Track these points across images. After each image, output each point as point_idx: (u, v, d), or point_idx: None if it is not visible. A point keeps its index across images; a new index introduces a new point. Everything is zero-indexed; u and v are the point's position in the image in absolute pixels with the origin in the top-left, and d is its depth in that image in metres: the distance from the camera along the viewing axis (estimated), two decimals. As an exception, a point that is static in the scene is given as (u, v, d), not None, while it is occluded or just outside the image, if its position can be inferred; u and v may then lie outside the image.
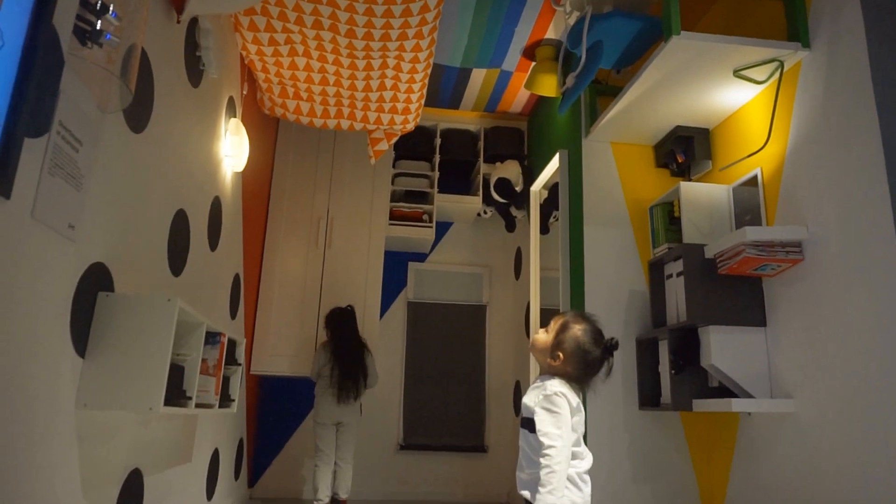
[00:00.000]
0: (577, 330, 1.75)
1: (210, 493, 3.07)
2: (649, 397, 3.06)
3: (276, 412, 4.37)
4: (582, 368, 1.73)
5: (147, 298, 1.70)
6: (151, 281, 2.08)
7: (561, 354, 1.73)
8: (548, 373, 1.75)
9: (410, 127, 3.73)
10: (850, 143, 2.26)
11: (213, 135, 2.78)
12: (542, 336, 1.79)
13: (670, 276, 3.02)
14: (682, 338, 2.84)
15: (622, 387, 3.12)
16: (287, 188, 4.31)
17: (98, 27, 1.46)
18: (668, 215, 3.08)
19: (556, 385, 1.69)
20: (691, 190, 3.01)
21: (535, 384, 1.75)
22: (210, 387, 2.18)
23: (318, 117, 3.64)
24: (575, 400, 1.69)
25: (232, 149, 3.00)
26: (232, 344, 2.54)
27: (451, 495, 4.43)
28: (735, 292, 2.71)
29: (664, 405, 2.93)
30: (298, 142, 4.42)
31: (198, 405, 2.08)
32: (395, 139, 3.80)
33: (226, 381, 2.51)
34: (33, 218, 1.34)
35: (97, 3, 1.46)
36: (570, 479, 1.64)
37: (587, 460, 1.71)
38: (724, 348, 2.67)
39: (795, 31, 2.53)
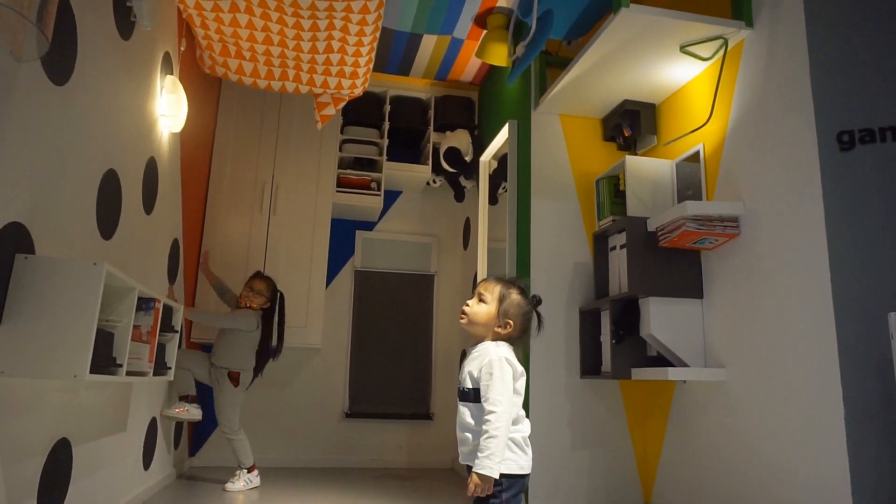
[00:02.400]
0: (515, 295, 1.80)
1: (147, 462, 3.00)
2: (590, 366, 3.13)
3: (217, 381, 4.28)
4: (525, 329, 1.80)
5: (71, 262, 1.61)
6: (79, 244, 1.98)
7: (511, 321, 1.76)
8: (491, 340, 1.76)
9: (358, 92, 3.63)
10: (786, 122, 2.32)
11: (147, 92, 2.64)
12: (484, 308, 1.78)
13: (614, 248, 3.07)
14: (623, 309, 2.90)
15: (564, 356, 3.18)
16: (230, 152, 4.17)
17: (11, -33, 1.34)
18: (614, 188, 3.12)
19: (502, 351, 1.71)
20: (636, 164, 3.05)
21: (475, 353, 1.74)
22: (143, 354, 2.10)
23: (261, 78, 3.51)
24: (519, 366, 1.72)
25: (168, 108, 2.86)
26: (168, 310, 2.45)
27: (396, 462, 4.47)
28: (675, 265, 2.78)
29: (604, 374, 3.00)
30: (242, 104, 4.26)
31: (129, 373, 2.00)
32: (342, 104, 3.71)
33: (161, 348, 2.43)
34: (-63, 172, 1.24)
35: (9, -61, 1.34)
36: (515, 443, 1.67)
37: (527, 425, 1.73)
38: (662, 319, 2.74)
39: (740, 9, 2.57)
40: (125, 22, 2.31)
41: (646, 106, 3.25)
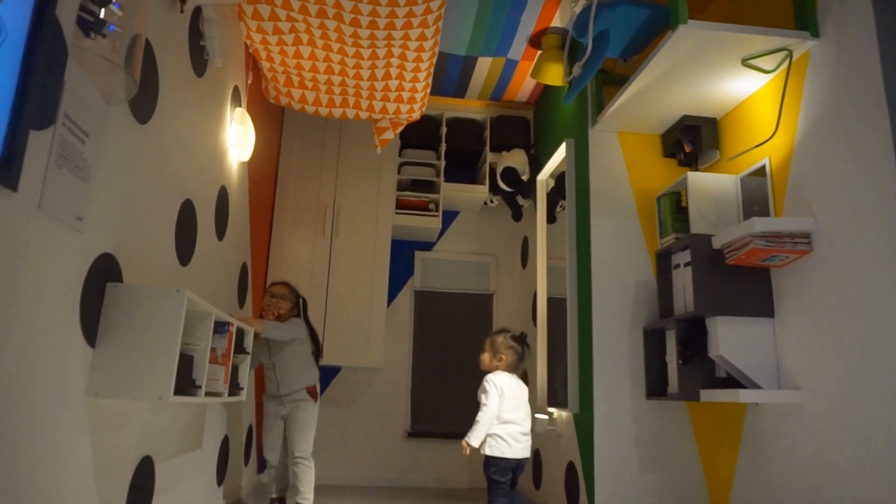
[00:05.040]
0: (500, 338, 2.90)
1: (220, 479, 3.11)
2: (656, 387, 3.06)
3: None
4: (515, 359, 2.87)
5: (156, 289, 1.72)
6: (160, 271, 2.10)
7: (502, 356, 2.86)
8: (493, 371, 2.84)
9: (416, 116, 3.72)
10: (858, 133, 2.23)
11: (219, 124, 2.78)
12: (486, 356, 2.92)
13: (678, 266, 3.01)
14: (689, 328, 2.84)
15: (629, 377, 3.12)
16: (293, 177, 4.32)
17: (101, 17, 1.46)
18: (676, 205, 3.06)
19: (491, 376, 2.80)
20: (699, 180, 2.99)
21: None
22: (219, 375, 2.20)
23: (323, 106, 3.64)
24: (505, 384, 2.77)
25: (237, 138, 3.00)
26: (240, 333, 2.56)
27: (458, 482, 4.47)
28: (743, 283, 2.70)
29: (671, 395, 2.93)
30: (304, 131, 4.42)
31: (207, 394, 2.10)
32: (400, 128, 3.80)
33: (234, 369, 2.53)
34: (41, 210, 1.35)
35: (101, -6, 1.46)
36: (501, 437, 2.69)
37: (514, 427, 2.71)
38: (731, 339, 2.66)
39: (804, 19, 2.50)
40: (199, 60, 2.45)
41: (706, 121, 3.19)
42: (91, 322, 1.62)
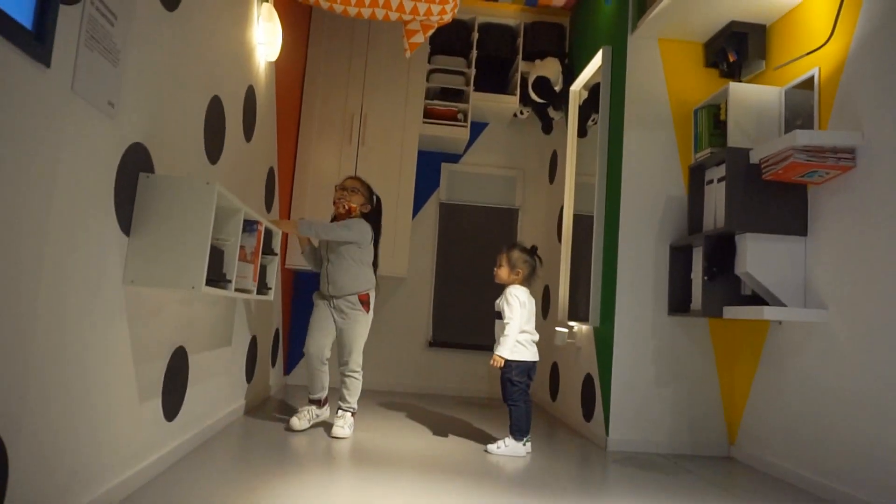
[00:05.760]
0: (516, 252, 2.98)
1: (249, 376, 3.24)
2: (679, 303, 3.06)
3: (310, 305, 4.50)
4: (530, 272, 2.98)
5: (187, 181, 1.72)
6: (189, 166, 2.09)
7: (519, 270, 2.95)
8: (510, 284, 2.95)
9: (448, 18, 3.56)
10: (923, 40, 2.09)
11: (246, 19, 2.69)
12: (503, 270, 2.99)
13: (711, 181, 2.94)
14: (717, 245, 2.80)
15: (652, 292, 3.12)
16: (320, 83, 4.23)
17: None
18: (714, 118, 2.95)
19: (512, 289, 2.92)
20: (740, 91, 2.86)
21: (503, 294, 2.95)
22: (248, 273, 2.24)
23: (352, 5, 3.49)
24: (524, 298, 2.92)
25: (265, 36, 2.92)
26: (269, 233, 2.58)
27: (478, 391, 4.61)
28: (778, 200, 2.64)
29: (694, 311, 2.94)
30: (332, 33, 4.28)
31: (237, 290, 2.14)
32: (431, 31, 3.64)
33: (263, 269, 2.57)
34: (73, 91, 1.33)
35: None
36: (522, 343, 2.87)
37: (534, 335, 2.92)
38: (760, 256, 2.63)
39: (875, -89, 2.29)
40: (225, -52, 2.34)
41: (755, 27, 3.02)
42: (125, 211, 1.64)
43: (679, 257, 3.10)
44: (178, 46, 1.93)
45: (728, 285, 2.82)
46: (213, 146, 2.34)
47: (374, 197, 3.09)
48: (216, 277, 1.88)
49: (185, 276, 1.66)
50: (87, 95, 1.38)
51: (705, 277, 2.81)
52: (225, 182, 2.49)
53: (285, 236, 3.77)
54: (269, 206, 3.42)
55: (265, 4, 2.92)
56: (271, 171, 3.42)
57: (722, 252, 2.79)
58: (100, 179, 1.50)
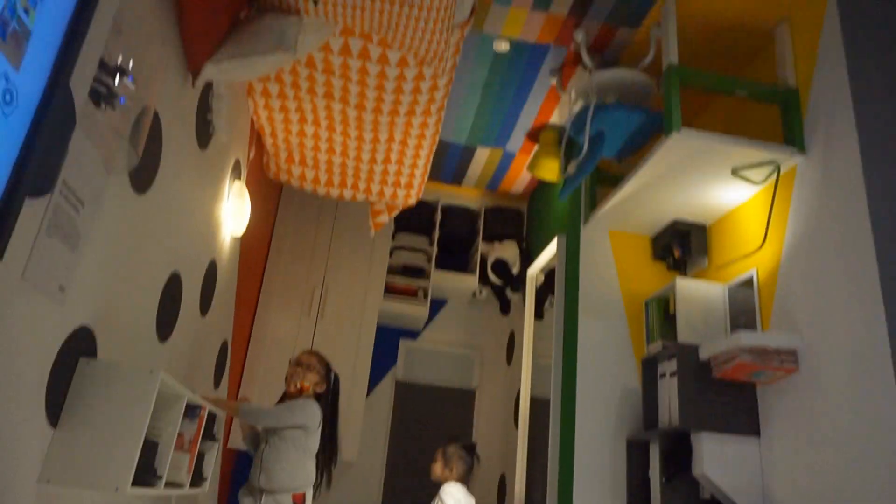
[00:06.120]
0: (453, 448, 3.03)
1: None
2: None
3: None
4: (465, 470, 2.99)
5: (128, 369, 1.63)
6: (137, 346, 2.01)
7: (454, 466, 2.98)
8: (445, 481, 2.97)
9: (413, 201, 3.75)
10: (844, 252, 2.24)
11: (216, 197, 2.76)
12: (437, 465, 3.04)
13: (664, 375, 2.95)
14: (674, 442, 2.74)
15: (610, 490, 2.98)
16: (285, 255, 4.28)
17: (114, 89, 1.46)
18: (664, 311, 3.05)
19: (448, 487, 2.94)
20: (686, 287, 2.98)
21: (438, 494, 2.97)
22: (183, 464, 2.06)
23: (321, 185, 3.66)
24: (461, 496, 2.94)
25: (233, 212, 2.98)
26: (211, 417, 2.43)
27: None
28: (729, 398, 2.62)
29: (654, 514, 2.80)
30: (300, 208, 4.42)
31: (167, 484, 1.96)
32: (396, 212, 3.82)
33: (200, 456, 2.38)
34: (23, 279, 1.30)
35: (116, 66, 1.47)
36: None
37: None
38: (716, 457, 2.56)
39: (791, 135, 2.56)
40: (204, 133, 2.46)
41: (696, 227, 3.23)
42: (56, 400, 1.52)
43: (636, 453, 3.01)
44: (143, 227, 1.94)
45: (687, 487, 2.71)
46: (166, 323, 2.27)
47: (332, 375, 2.87)
48: (145, 474, 1.72)
49: (110, 476, 1.51)
50: (36, 282, 1.35)
51: (663, 479, 2.71)
52: (173, 361, 2.39)
53: (229, 416, 3.57)
54: (217, 382, 3.27)
55: (236, 182, 3.03)
56: (224, 344, 3.32)
57: (679, 450, 2.72)
58: (34, 367, 1.41)
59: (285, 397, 2.80)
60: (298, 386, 2.72)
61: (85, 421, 1.55)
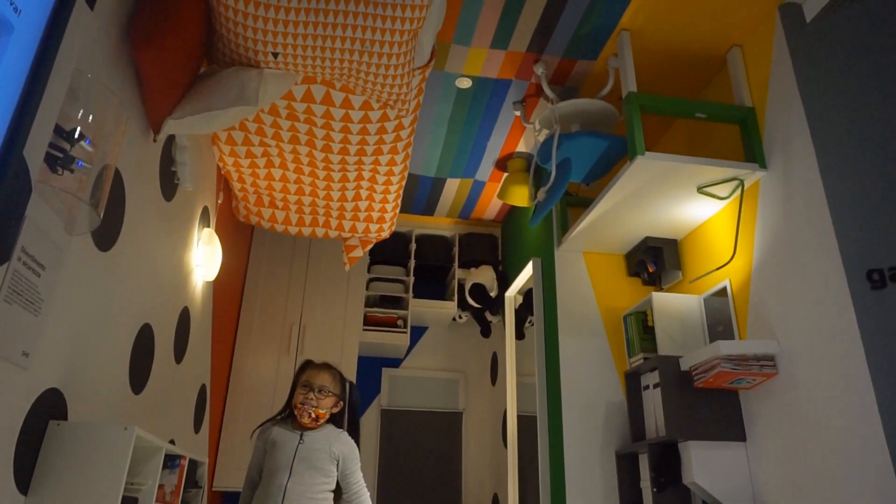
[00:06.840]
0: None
1: None
2: (632, 516, 2.93)
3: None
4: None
5: (101, 427, 1.61)
6: (109, 402, 1.99)
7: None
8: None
9: (386, 235, 3.76)
10: (811, 259, 2.32)
11: (185, 245, 2.76)
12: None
13: (647, 387, 2.98)
14: (662, 453, 2.77)
15: (603, 503, 2.99)
16: (260, 295, 4.26)
17: (70, 154, 1.47)
18: (642, 324, 3.09)
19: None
20: (663, 300, 3.03)
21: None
22: (164, 518, 2.03)
23: (293, 225, 3.66)
24: None
25: (204, 258, 2.98)
26: (192, 465, 2.40)
27: None
28: (713, 405, 2.68)
29: (647, 526, 2.80)
30: (273, 248, 4.42)
31: (149, 540, 1.92)
32: (370, 246, 3.82)
33: (183, 506, 2.35)
34: (-16, 349, 1.29)
35: (71, 131, 1.48)
36: None
37: None
38: (705, 465, 2.60)
39: (752, 152, 2.66)
40: (169, 185, 2.47)
41: (668, 242, 3.29)
42: (26, 466, 1.50)
43: (626, 465, 3.03)
44: (109, 284, 1.93)
45: (678, 495, 2.74)
46: (139, 375, 2.25)
47: (347, 385, 2.51)
48: (124, 533, 1.69)
49: (87, 540, 1.49)
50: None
51: (654, 489, 2.73)
52: (150, 411, 2.36)
53: (213, 458, 3.53)
54: (198, 427, 3.23)
55: (206, 229, 3.02)
56: (203, 388, 3.29)
57: (668, 460, 2.75)
58: (2, 434, 1.39)
59: (287, 417, 2.47)
60: (314, 415, 2.37)
61: (59, 484, 1.53)
